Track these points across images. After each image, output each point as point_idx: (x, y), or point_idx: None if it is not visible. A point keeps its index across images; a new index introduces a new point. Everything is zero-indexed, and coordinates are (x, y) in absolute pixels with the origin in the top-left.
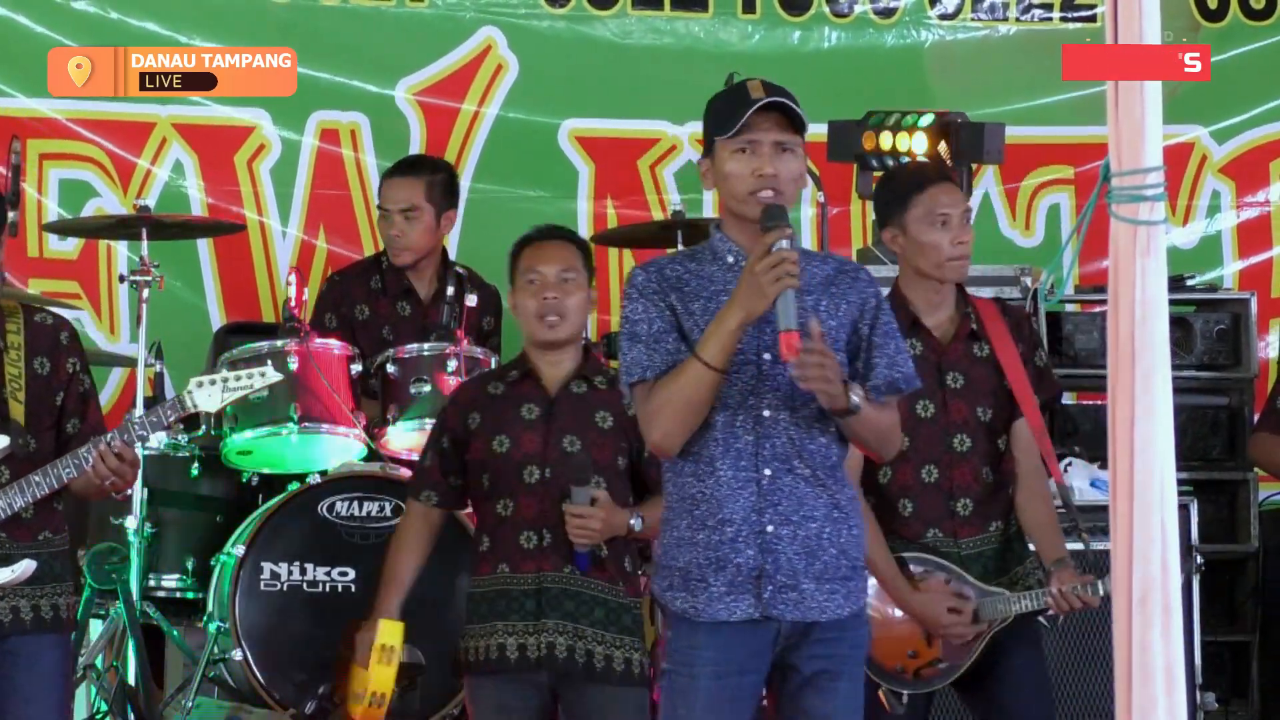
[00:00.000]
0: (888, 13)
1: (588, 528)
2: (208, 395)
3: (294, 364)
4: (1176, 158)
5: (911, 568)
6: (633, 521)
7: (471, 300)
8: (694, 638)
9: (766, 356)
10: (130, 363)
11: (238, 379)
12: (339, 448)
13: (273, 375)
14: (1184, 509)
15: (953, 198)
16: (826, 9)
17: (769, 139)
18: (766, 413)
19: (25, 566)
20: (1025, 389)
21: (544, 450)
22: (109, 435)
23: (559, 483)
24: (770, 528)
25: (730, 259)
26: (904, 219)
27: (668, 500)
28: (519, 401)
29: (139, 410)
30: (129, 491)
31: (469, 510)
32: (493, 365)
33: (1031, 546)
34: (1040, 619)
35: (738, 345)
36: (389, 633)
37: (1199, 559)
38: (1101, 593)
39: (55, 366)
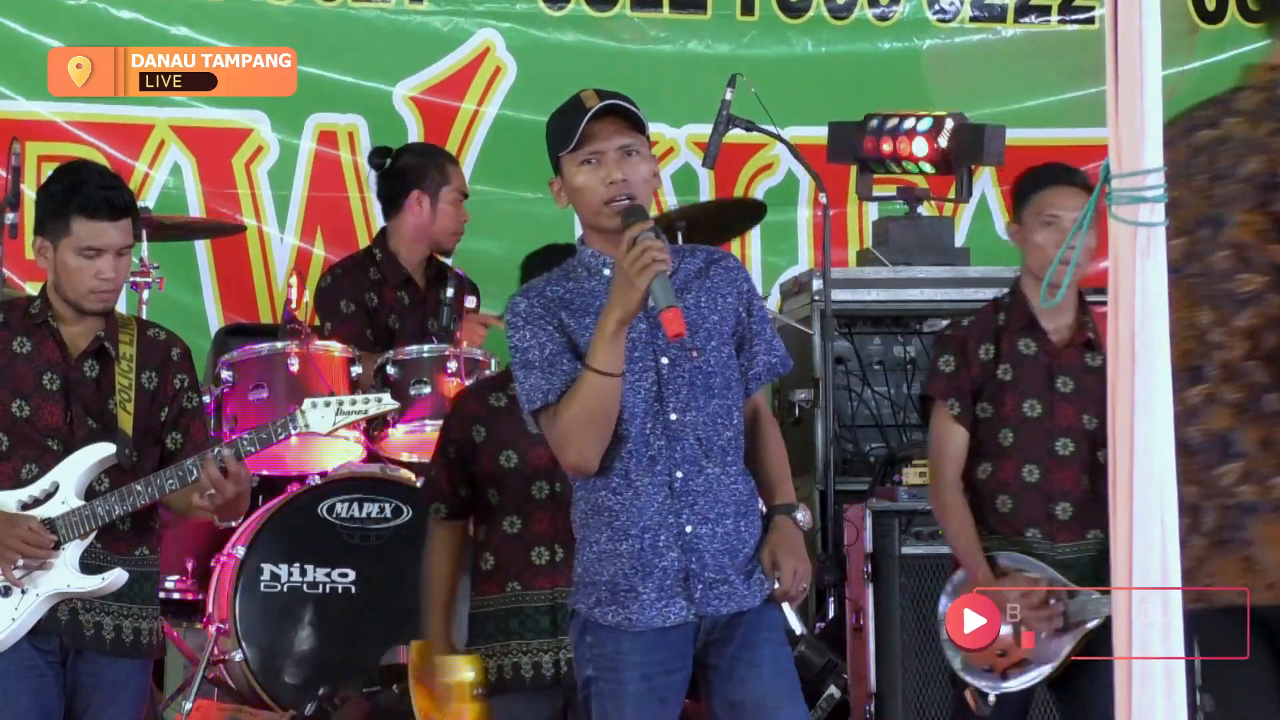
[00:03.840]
0: (886, 15)
1: None
2: (320, 416)
3: (294, 366)
4: None
5: (1002, 563)
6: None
7: (471, 302)
8: (619, 643)
9: (664, 361)
10: None
11: (353, 403)
12: (339, 449)
13: (389, 403)
14: None
15: (1067, 200)
16: (825, 11)
17: (612, 146)
18: (674, 416)
19: (116, 576)
20: None
21: (553, 465)
22: (215, 450)
23: (570, 496)
24: (689, 528)
25: (607, 271)
26: (1022, 215)
27: (582, 517)
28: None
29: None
30: (233, 523)
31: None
32: (492, 366)
33: None
34: None
35: (625, 346)
36: (452, 669)
37: None
38: None
39: (163, 381)
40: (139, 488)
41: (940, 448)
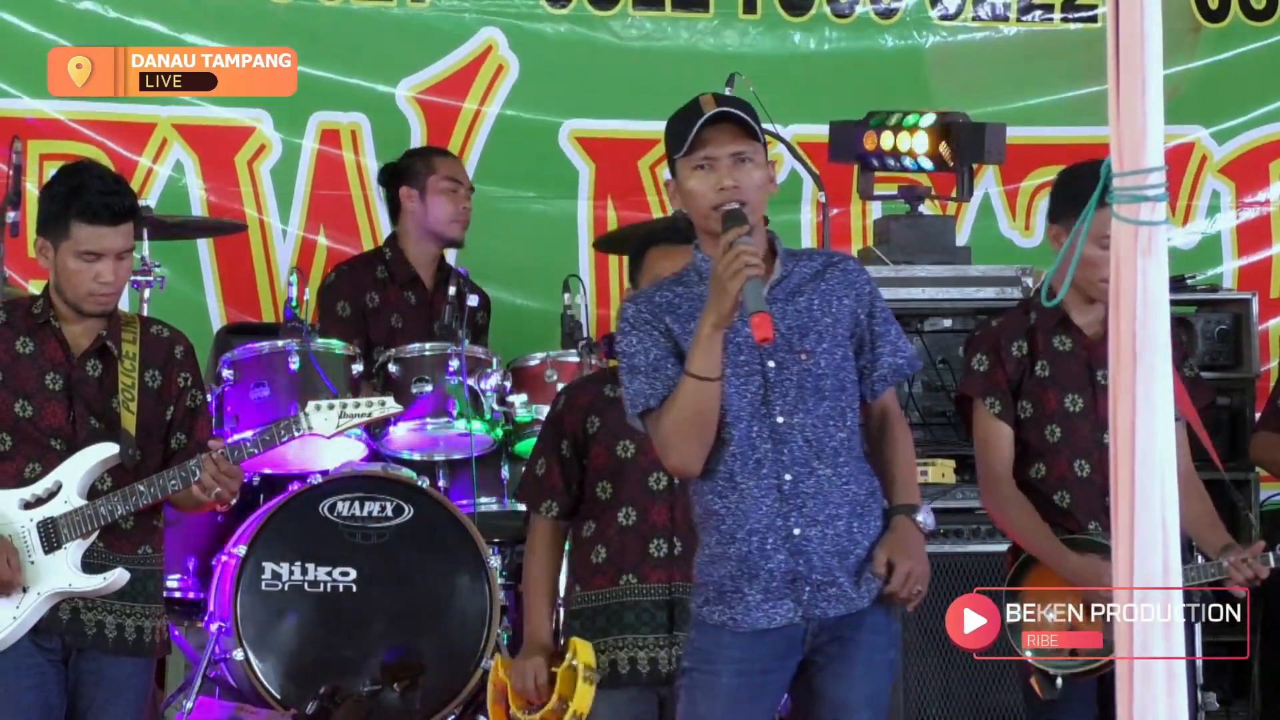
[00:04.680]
0: (888, 13)
1: None
2: (324, 419)
3: (295, 364)
4: (1177, 158)
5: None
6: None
7: (473, 300)
8: (719, 638)
9: (771, 365)
10: None
11: (356, 406)
12: (340, 447)
13: (393, 406)
14: None
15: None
16: (827, 9)
17: (725, 152)
18: (780, 419)
19: (118, 576)
20: (1181, 392)
21: None
22: (218, 452)
23: (687, 488)
24: (798, 530)
25: None
26: (1066, 222)
27: (698, 520)
28: None
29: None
30: (232, 501)
31: (472, 509)
32: (494, 364)
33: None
34: None
35: (730, 350)
36: (586, 652)
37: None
38: (1272, 563)
39: (166, 380)
40: (142, 488)
41: (986, 446)
